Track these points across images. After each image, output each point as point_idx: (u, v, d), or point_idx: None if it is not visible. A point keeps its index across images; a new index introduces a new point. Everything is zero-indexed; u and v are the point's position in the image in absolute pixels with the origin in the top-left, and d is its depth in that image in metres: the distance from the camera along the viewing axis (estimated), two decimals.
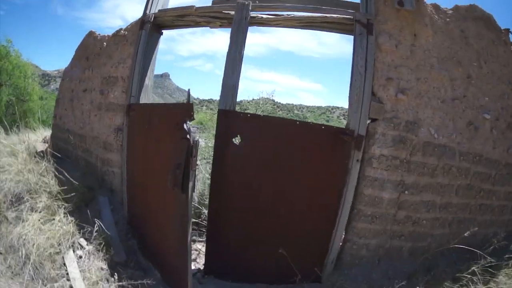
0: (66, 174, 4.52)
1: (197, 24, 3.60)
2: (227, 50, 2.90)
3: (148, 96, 3.85)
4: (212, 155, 2.89)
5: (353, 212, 2.88)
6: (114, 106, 4.02)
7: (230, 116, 2.83)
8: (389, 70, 3.06)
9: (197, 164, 2.57)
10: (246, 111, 5.15)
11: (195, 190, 2.67)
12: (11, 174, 4.03)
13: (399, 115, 3.00)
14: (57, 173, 4.47)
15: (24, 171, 4.14)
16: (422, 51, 3.21)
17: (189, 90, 2.72)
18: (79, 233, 3.28)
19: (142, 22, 3.80)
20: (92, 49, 5.01)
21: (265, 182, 2.84)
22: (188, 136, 2.37)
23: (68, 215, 3.56)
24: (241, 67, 2.83)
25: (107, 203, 4.05)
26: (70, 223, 3.37)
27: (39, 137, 8.40)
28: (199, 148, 2.67)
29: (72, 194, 3.88)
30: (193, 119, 2.54)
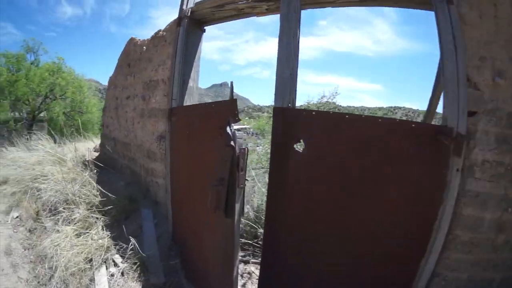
0: (107, 185, 4.48)
1: (240, 13, 3.18)
2: (278, 38, 2.40)
3: (193, 99, 3.52)
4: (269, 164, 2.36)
5: (448, 239, 2.18)
6: (156, 111, 3.76)
7: (289, 115, 2.25)
8: (479, 47, 2.36)
9: (246, 179, 2.08)
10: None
11: (245, 209, 2.13)
12: (51, 184, 4.01)
13: (500, 105, 2.28)
14: (98, 184, 4.43)
15: (65, 181, 4.12)
16: (507, 24, 2.44)
17: (232, 83, 2.27)
18: (115, 248, 3.05)
19: (179, 18, 3.48)
20: (133, 55, 4.87)
21: (334, 198, 2.24)
22: (232, 143, 1.91)
23: (105, 228, 3.39)
24: (298, 55, 2.31)
25: (150, 216, 3.81)
26: (106, 237, 3.16)
27: (92, 146, 8.73)
28: (257, 156, 2.18)
29: (111, 207, 3.74)
30: (238, 119, 2.10)
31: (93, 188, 4.24)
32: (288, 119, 2.27)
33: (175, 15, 3.58)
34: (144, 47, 4.44)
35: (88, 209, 3.61)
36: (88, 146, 8.93)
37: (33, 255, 3.06)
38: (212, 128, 2.31)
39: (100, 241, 3.05)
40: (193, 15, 3.45)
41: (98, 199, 3.95)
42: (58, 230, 3.17)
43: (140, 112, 4.21)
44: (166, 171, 3.54)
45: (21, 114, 15.05)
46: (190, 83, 3.47)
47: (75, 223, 3.31)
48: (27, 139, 6.49)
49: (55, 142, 6.21)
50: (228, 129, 1.93)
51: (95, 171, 4.84)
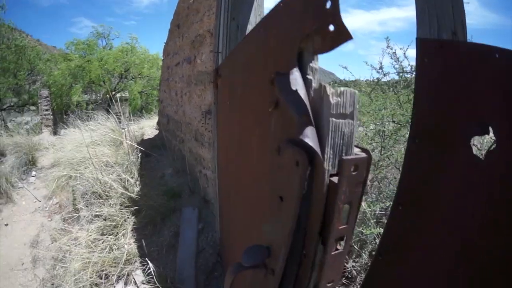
0: (152, 172, 3.78)
1: None
2: None
3: None
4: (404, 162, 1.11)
5: None
6: (202, 76, 2.76)
7: (456, 53, 1.02)
8: None
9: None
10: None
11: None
12: (89, 170, 3.42)
13: None
14: (143, 171, 3.76)
15: (105, 166, 3.58)
16: None
17: None
18: (140, 261, 2.22)
19: None
20: (181, 13, 3.94)
21: None
22: (307, 133, 0.66)
23: (135, 232, 2.59)
24: None
25: (195, 219, 2.79)
26: (131, 244, 2.36)
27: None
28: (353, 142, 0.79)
29: (146, 203, 2.91)
30: (339, 38, 0.65)
31: (132, 177, 3.53)
32: (458, 69, 0.99)
33: None
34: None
35: (121, 204, 2.89)
36: (154, 123, 8.71)
37: (48, 258, 2.49)
38: (263, 74, 1.09)
39: (123, 248, 2.28)
40: None
41: (135, 191, 3.21)
42: (77, 230, 2.52)
43: (187, 80, 3.28)
44: (214, 161, 2.55)
45: (97, 96, 15.77)
46: (249, 28, 2.34)
47: (102, 220, 2.62)
48: (90, 119, 6.28)
49: (119, 120, 5.83)
50: (294, 77, 0.74)
51: (142, 154, 4.16)
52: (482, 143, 1.14)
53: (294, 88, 0.71)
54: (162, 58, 5.30)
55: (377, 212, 2.40)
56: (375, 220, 2.45)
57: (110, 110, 9.43)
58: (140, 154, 4.05)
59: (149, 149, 4.60)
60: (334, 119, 0.67)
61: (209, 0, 2.80)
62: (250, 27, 2.28)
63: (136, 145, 4.13)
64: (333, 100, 0.67)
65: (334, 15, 0.61)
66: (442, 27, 1.09)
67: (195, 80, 2.94)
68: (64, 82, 13.75)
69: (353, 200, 0.68)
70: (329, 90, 0.68)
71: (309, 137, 0.66)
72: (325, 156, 0.67)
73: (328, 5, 0.62)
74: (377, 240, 2.14)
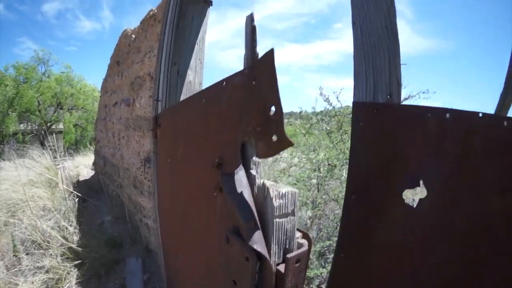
0: (91, 219, 3.51)
1: None
2: None
3: None
4: None
5: None
6: (141, 121, 2.56)
7: (390, 116, 1.06)
8: None
9: None
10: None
11: None
12: (27, 215, 3.06)
13: None
14: (81, 217, 3.56)
15: (42, 211, 3.34)
16: None
17: (251, 14, 0.89)
18: None
19: None
20: (122, 49, 3.73)
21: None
22: (255, 245, 0.72)
23: (79, 286, 2.37)
24: None
25: (139, 270, 2.65)
26: None
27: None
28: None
29: (89, 253, 2.74)
30: (281, 142, 0.66)
31: (70, 224, 3.22)
32: (390, 127, 1.03)
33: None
34: (133, 36, 3.28)
35: (62, 255, 2.63)
36: (90, 162, 8.01)
37: None
38: (207, 159, 1.03)
39: None
40: None
41: (75, 241, 2.95)
42: (25, 280, 2.14)
43: (125, 123, 3.02)
44: (154, 210, 2.32)
45: (32, 126, 14.47)
46: (189, 77, 2.23)
47: (43, 273, 2.28)
48: (25, 154, 5.86)
49: (54, 157, 5.48)
50: (239, 177, 0.72)
51: (80, 199, 3.88)
52: (414, 193, 1.17)
53: (239, 191, 0.73)
54: (100, 94, 4.92)
55: (318, 250, 2.46)
56: (317, 258, 2.46)
57: (45, 143, 8.97)
58: (77, 199, 3.82)
59: (86, 193, 4.36)
60: (277, 219, 0.72)
61: (150, 41, 2.68)
62: (190, 72, 2.20)
63: (72, 190, 3.94)
64: (276, 202, 0.71)
65: (278, 126, 0.62)
66: (378, 89, 1.10)
67: (134, 125, 2.71)
68: (1, 109, 12.42)
69: (299, 283, 0.79)
70: (272, 192, 0.75)
71: (257, 242, 0.69)
72: (271, 251, 0.74)
73: (272, 111, 0.58)
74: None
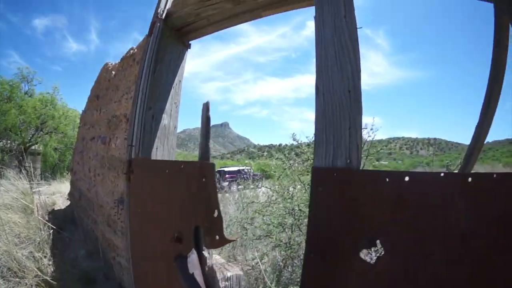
0: (65, 252, 3.40)
1: (236, 12, 2.05)
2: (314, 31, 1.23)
3: (169, 144, 2.30)
4: None
5: None
6: (116, 162, 2.54)
7: (348, 180, 1.10)
8: None
9: None
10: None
11: None
12: (1, 242, 2.95)
13: None
14: (55, 249, 3.40)
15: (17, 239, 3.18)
16: None
17: (206, 104, 0.96)
18: None
19: (151, 25, 2.37)
20: (102, 84, 3.76)
21: None
22: None
23: None
24: (359, 55, 1.14)
25: None
26: None
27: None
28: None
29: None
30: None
31: (45, 256, 3.13)
32: (348, 192, 1.07)
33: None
34: (113, 72, 3.32)
35: (37, 285, 2.53)
36: (66, 191, 7.79)
37: None
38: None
39: None
40: (171, 20, 2.34)
41: (49, 272, 2.84)
42: None
43: (101, 161, 2.99)
44: (127, 251, 2.26)
45: (11, 144, 14.03)
46: (165, 121, 2.26)
47: None
48: (1, 174, 5.65)
49: (31, 180, 5.32)
50: (191, 260, 0.77)
51: (55, 230, 3.75)
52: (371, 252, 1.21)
53: (191, 271, 0.77)
54: (79, 125, 4.87)
55: None
56: None
57: (23, 164, 8.72)
58: (51, 230, 3.67)
59: (61, 223, 4.23)
60: None
61: (129, 82, 2.72)
62: (165, 116, 2.23)
63: (48, 219, 3.91)
64: (222, 284, 0.93)
65: (218, 228, 0.70)
66: (338, 154, 1.15)
67: (109, 164, 2.69)
68: None
69: None
70: (219, 275, 0.77)
71: None
72: None
73: (216, 214, 0.65)
74: None
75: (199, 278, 0.74)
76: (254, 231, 3.31)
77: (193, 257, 0.77)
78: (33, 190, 4.91)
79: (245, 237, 3.51)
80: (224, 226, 3.97)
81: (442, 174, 1.02)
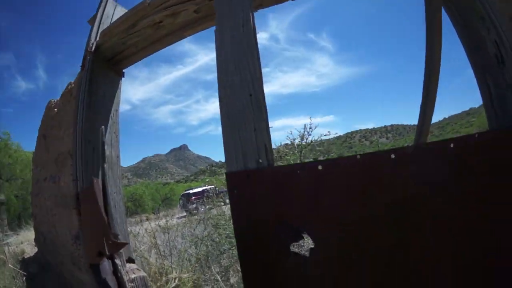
0: None
1: (160, 34, 2.15)
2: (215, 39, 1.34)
3: (114, 173, 2.33)
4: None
5: None
6: (67, 198, 2.53)
7: (261, 179, 1.20)
8: None
9: None
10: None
11: None
12: None
13: None
14: None
15: None
16: None
17: (101, 129, 1.04)
18: None
19: (83, 59, 2.42)
20: (47, 123, 3.68)
21: None
22: None
23: None
24: (258, 59, 1.26)
25: None
26: None
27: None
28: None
29: None
30: None
31: None
32: (263, 189, 1.17)
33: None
34: (56, 109, 3.28)
35: None
36: (33, 238, 7.48)
37: None
38: None
39: None
40: (101, 51, 2.40)
41: None
42: None
43: (54, 200, 2.95)
44: (93, 286, 2.25)
45: None
46: (106, 151, 2.30)
47: None
48: None
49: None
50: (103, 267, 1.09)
51: (27, 278, 3.76)
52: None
53: (103, 277, 0.87)
54: (32, 168, 4.71)
55: None
56: None
57: None
58: (24, 278, 3.73)
59: (33, 270, 4.20)
60: None
61: (69, 117, 2.71)
62: (107, 147, 2.27)
63: (19, 268, 3.94)
64: (129, 286, 0.84)
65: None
66: (247, 157, 1.23)
67: (61, 202, 2.67)
68: None
69: None
70: (126, 277, 0.84)
71: None
72: None
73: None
74: None
75: (111, 281, 0.84)
76: (220, 246, 3.37)
77: (105, 264, 0.87)
78: (2, 242, 4.91)
79: (212, 254, 3.54)
80: (193, 246, 3.98)
81: (358, 157, 1.13)
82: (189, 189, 21.17)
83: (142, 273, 0.77)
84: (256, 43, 1.34)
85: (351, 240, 1.08)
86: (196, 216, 5.67)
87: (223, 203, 5.10)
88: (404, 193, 1.05)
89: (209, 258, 3.40)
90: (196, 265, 3.36)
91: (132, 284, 0.73)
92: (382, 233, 1.05)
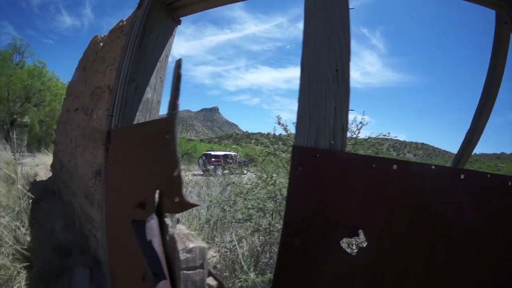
0: (43, 223, 3.42)
1: None
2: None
3: (152, 118, 2.28)
4: None
5: None
6: (97, 133, 2.52)
7: (330, 162, 1.09)
8: None
9: None
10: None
11: None
12: None
13: None
14: (33, 219, 3.46)
15: None
16: None
17: (179, 60, 0.95)
18: None
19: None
20: (90, 56, 3.68)
21: None
22: None
23: None
24: (349, 35, 1.14)
25: (86, 280, 2.58)
26: None
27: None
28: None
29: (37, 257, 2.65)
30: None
31: (23, 225, 3.18)
32: (330, 174, 1.06)
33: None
34: (101, 44, 3.26)
35: (13, 254, 2.56)
36: (50, 162, 7.74)
37: None
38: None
39: None
40: None
41: (26, 242, 2.87)
42: None
43: (82, 132, 2.96)
44: (102, 224, 2.27)
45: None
46: (148, 94, 2.24)
47: None
48: None
49: (16, 151, 5.59)
50: (150, 225, 0.79)
51: (34, 200, 3.81)
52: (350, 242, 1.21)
53: (149, 239, 0.78)
54: (65, 96, 4.79)
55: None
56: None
57: (9, 135, 8.82)
58: (31, 200, 3.73)
59: (41, 194, 4.26)
60: (185, 271, 0.76)
61: (115, 53, 2.68)
62: (149, 90, 2.21)
63: (28, 189, 3.95)
64: (182, 256, 0.75)
65: (178, 188, 0.69)
66: (321, 135, 1.12)
67: (89, 135, 2.67)
68: None
69: None
70: (180, 245, 0.77)
71: None
72: None
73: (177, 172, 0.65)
74: None
75: (158, 247, 0.75)
76: (235, 214, 3.33)
77: (152, 222, 0.76)
78: (18, 161, 4.97)
79: (224, 219, 3.53)
80: (206, 207, 4.00)
81: (433, 167, 1.00)
82: (211, 150, 21.17)
83: (201, 243, 0.66)
84: (349, 15, 1.20)
85: (405, 253, 0.97)
86: (212, 178, 5.69)
87: (243, 173, 5.11)
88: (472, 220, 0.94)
89: (219, 222, 3.40)
90: (205, 225, 3.37)
91: (188, 256, 0.60)
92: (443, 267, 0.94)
